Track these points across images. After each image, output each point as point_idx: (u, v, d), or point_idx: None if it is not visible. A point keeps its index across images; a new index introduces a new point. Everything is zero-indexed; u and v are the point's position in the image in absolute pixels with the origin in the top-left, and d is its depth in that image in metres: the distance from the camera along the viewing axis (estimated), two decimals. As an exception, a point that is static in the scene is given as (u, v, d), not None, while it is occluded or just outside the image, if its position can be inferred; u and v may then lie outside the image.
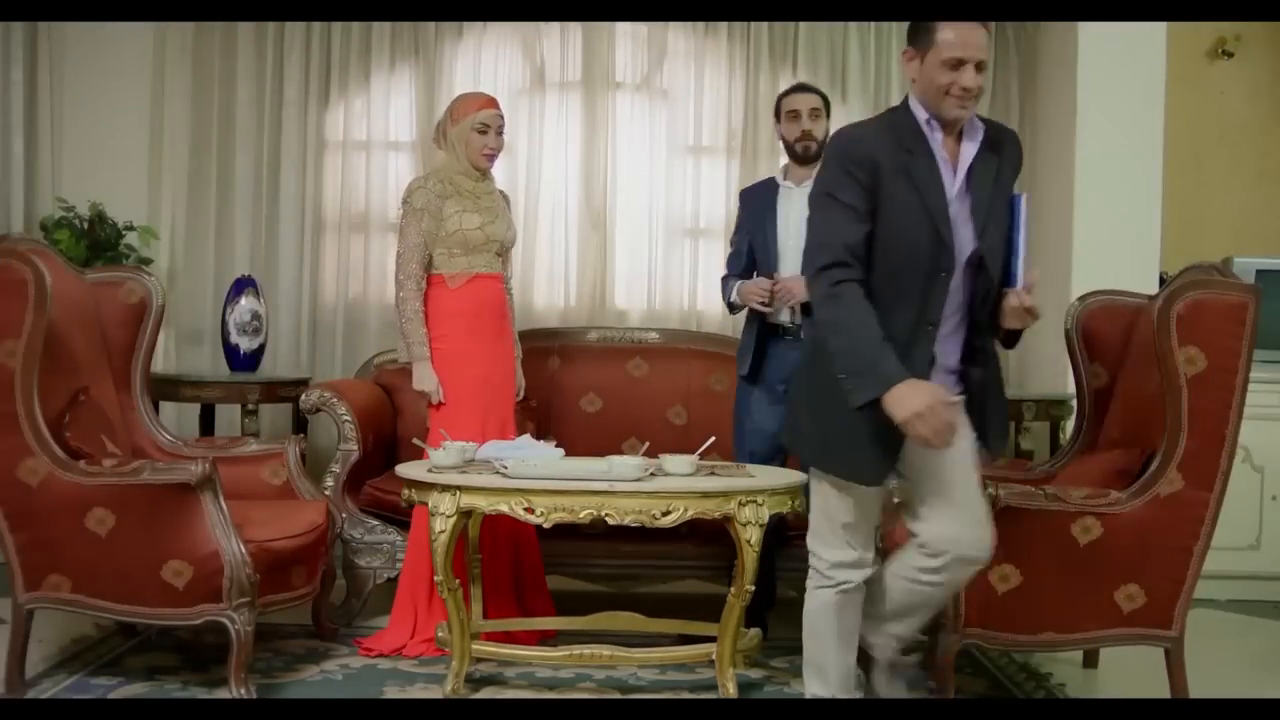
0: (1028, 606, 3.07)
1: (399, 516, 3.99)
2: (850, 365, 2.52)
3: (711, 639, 3.37)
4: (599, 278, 5.28)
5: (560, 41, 5.30)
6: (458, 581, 3.33)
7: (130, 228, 4.83)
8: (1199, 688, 3.19)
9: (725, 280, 4.02)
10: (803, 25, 5.27)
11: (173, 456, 3.67)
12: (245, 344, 4.78)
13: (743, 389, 3.93)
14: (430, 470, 3.32)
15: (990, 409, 2.73)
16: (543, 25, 5.26)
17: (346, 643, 3.77)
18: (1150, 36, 4.77)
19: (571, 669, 3.51)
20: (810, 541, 2.83)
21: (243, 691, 3.16)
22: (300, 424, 4.82)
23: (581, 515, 3.17)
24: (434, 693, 3.32)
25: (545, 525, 3.23)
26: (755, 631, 3.57)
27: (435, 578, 3.27)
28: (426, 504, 3.26)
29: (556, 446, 3.59)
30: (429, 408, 3.86)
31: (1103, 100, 4.79)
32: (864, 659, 3.78)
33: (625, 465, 3.23)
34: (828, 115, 3.92)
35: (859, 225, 2.55)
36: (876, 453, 2.61)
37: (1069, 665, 3.74)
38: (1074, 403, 3.93)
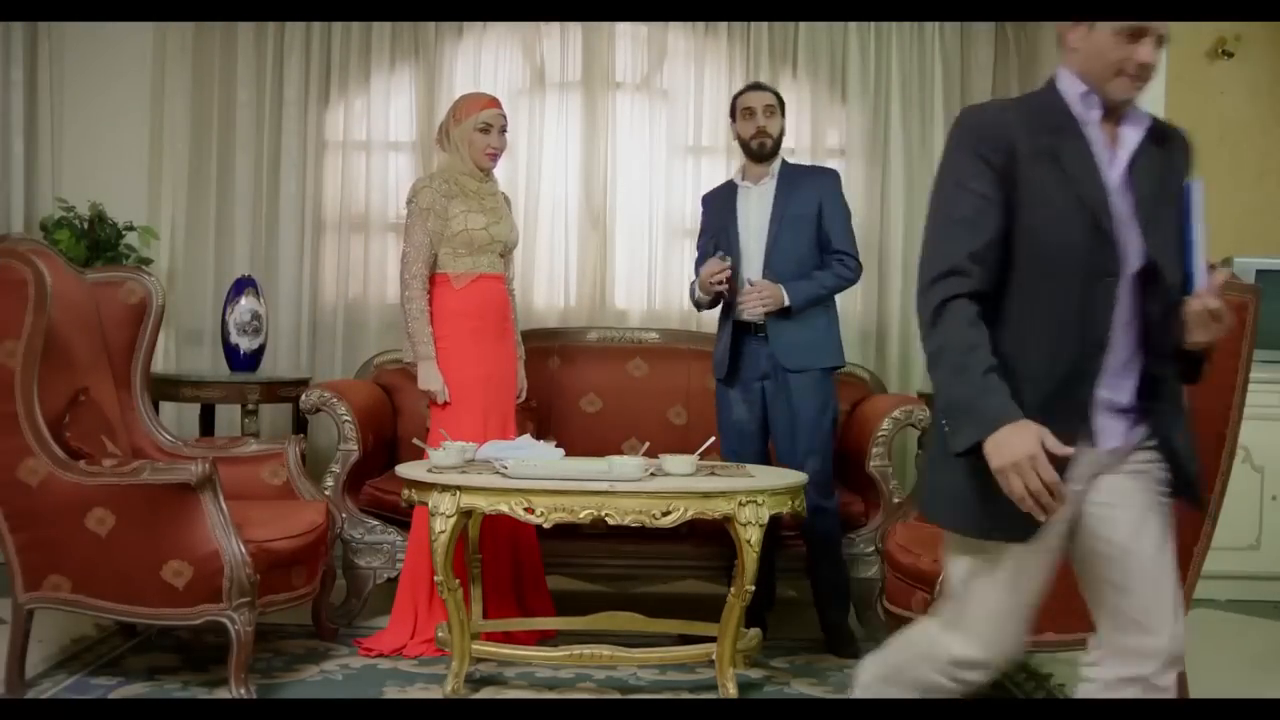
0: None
1: (399, 516, 3.99)
2: (949, 401, 2.03)
3: (711, 639, 3.37)
4: (599, 278, 5.27)
5: (560, 41, 5.29)
6: (458, 582, 3.33)
7: (130, 228, 4.83)
8: (1199, 688, 3.19)
9: (692, 285, 4.05)
10: (803, 25, 5.26)
11: (173, 457, 3.67)
12: (245, 344, 4.78)
13: (721, 390, 3.96)
14: (430, 470, 3.32)
15: (1183, 455, 2.13)
16: (543, 25, 5.26)
17: (346, 643, 3.77)
18: (1150, 36, 4.76)
19: (571, 669, 3.51)
20: (929, 621, 2.31)
21: (243, 691, 3.16)
22: (300, 424, 4.82)
23: (582, 515, 3.17)
24: (434, 693, 3.32)
25: (545, 525, 3.24)
26: (755, 631, 3.56)
27: (435, 578, 3.27)
28: (426, 504, 3.26)
29: (556, 446, 3.59)
30: (430, 407, 3.86)
31: (1103, 100, 4.78)
32: (849, 645, 3.77)
33: (625, 465, 3.23)
34: (782, 114, 3.95)
35: (990, 220, 2.03)
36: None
37: (1069, 665, 3.73)
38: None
